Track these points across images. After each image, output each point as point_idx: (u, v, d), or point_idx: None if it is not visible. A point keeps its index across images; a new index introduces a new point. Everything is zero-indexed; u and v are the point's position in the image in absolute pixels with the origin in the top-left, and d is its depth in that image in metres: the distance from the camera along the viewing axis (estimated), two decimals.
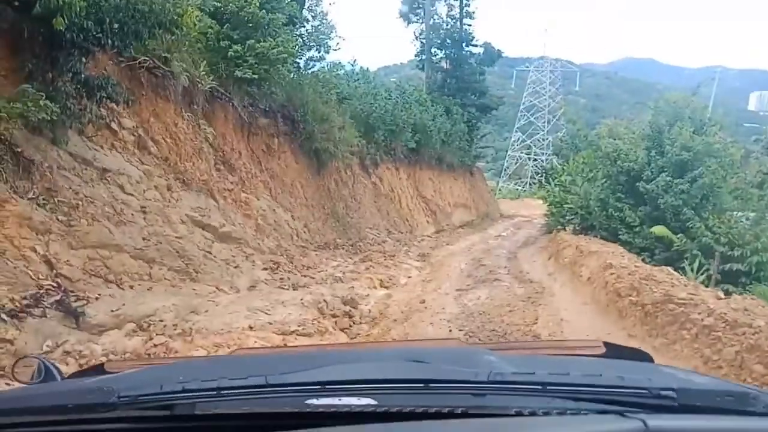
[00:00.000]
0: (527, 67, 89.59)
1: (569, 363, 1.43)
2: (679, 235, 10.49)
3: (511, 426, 0.98)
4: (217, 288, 7.90)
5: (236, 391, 1.07)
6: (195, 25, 10.59)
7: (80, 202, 6.56)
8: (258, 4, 12.16)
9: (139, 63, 8.71)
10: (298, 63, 17.22)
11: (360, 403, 1.02)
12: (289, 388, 1.09)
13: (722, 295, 5.89)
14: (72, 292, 5.73)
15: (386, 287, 9.49)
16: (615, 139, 12.56)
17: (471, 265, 12.15)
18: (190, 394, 1.08)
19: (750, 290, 8.89)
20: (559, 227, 14.62)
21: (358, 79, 23.71)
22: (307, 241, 13.36)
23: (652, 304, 5.75)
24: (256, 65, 12.14)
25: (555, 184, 14.87)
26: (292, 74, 15.18)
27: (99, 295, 5.97)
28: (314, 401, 1.04)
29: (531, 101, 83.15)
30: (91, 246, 6.41)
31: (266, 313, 6.40)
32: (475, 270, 11.15)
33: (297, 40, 14.55)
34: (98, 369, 1.58)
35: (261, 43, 12.11)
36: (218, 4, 11.86)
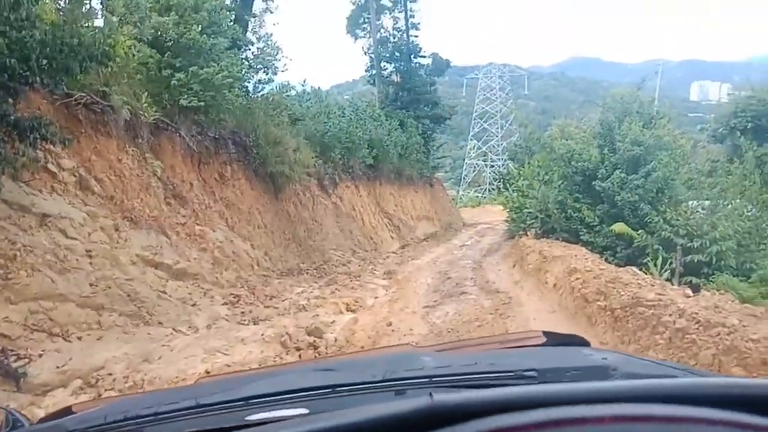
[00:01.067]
0: (476, 74, 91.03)
1: (487, 358, 1.51)
2: (639, 232, 10.56)
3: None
4: (173, 329, 7.51)
5: (171, 414, 1.17)
6: (132, 55, 10.33)
7: (18, 252, 6.13)
8: (198, 30, 11.87)
9: (76, 99, 8.31)
10: (246, 87, 16.97)
11: (294, 413, 1.09)
12: (218, 406, 1.19)
13: (690, 293, 5.83)
14: (12, 351, 5.31)
15: (353, 310, 9.23)
16: (567, 140, 12.66)
17: (437, 279, 11.99)
18: (131, 422, 1.17)
19: (713, 281, 9.00)
20: (520, 232, 14.65)
21: (309, 99, 23.53)
22: (269, 269, 13.00)
23: (621, 308, 5.65)
24: (201, 92, 11.82)
25: (513, 190, 14.91)
26: (240, 99, 14.84)
27: (43, 351, 5.56)
28: (253, 416, 1.10)
29: (483, 108, 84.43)
30: (32, 298, 5.99)
31: (225, 354, 6.07)
32: (442, 284, 11.00)
33: (242, 63, 14.29)
34: (66, 411, 1.62)
35: (204, 70, 11.81)
36: (157, 33, 11.55)
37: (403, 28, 35.71)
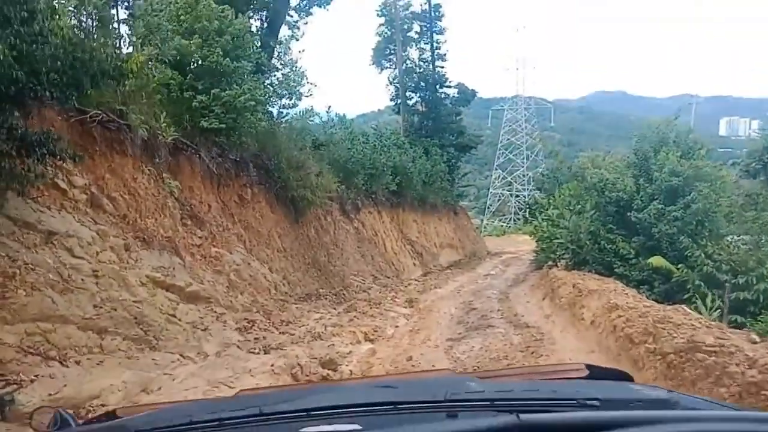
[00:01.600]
0: (502, 106, 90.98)
1: (544, 386, 1.50)
2: (679, 266, 9.91)
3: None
4: (181, 355, 7.11)
5: (236, 421, 1.25)
6: (152, 76, 10.22)
7: (18, 270, 5.83)
8: (221, 53, 11.75)
9: (91, 117, 8.11)
10: (271, 112, 16.86)
11: (347, 429, 1.17)
12: (280, 415, 1.25)
13: (757, 338, 5.13)
14: (2, 375, 4.95)
15: (371, 340, 8.74)
16: (599, 169, 12.13)
17: (461, 309, 11.44)
18: (197, 425, 1.25)
19: (762, 320, 8.30)
20: (549, 263, 14.02)
21: (334, 126, 23.41)
22: (287, 293, 12.60)
23: (675, 353, 4.94)
24: (223, 115, 11.66)
25: (542, 219, 14.32)
26: (263, 122, 14.72)
27: (36, 376, 5.19)
28: (308, 428, 1.18)
29: (508, 139, 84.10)
30: (30, 319, 5.65)
31: (229, 386, 5.63)
32: (466, 315, 10.44)
33: (266, 87, 14.14)
34: (111, 415, 1.65)
35: (227, 92, 11.66)
36: (180, 55, 11.46)
37: (429, 58, 35.71)
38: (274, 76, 17.15)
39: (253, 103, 12.10)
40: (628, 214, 11.15)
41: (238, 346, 7.97)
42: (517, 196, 76.52)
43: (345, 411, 1.24)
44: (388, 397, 1.29)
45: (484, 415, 1.10)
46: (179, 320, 7.81)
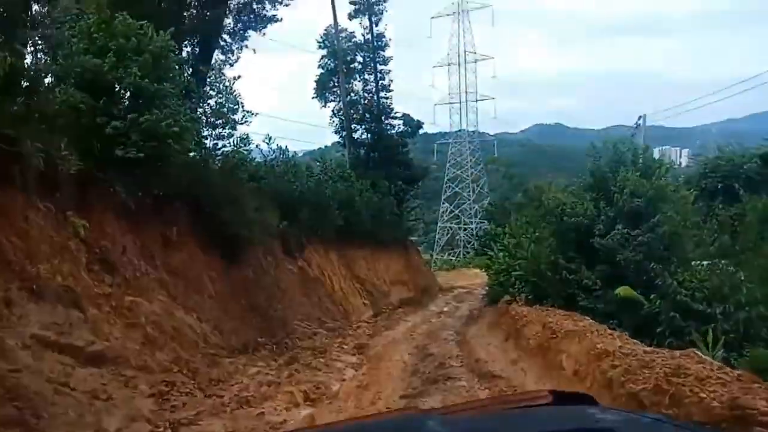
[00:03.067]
0: (447, 140, 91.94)
1: (512, 417, 1.52)
2: (652, 296, 9.11)
3: None
4: None
5: None
6: (53, 97, 8.87)
7: None
8: (140, 73, 10.48)
9: None
10: (204, 143, 15.58)
11: None
12: None
13: None
14: None
15: (312, 401, 7.45)
16: (556, 194, 11.37)
17: (415, 355, 10.29)
18: None
19: (749, 355, 7.49)
20: (507, 298, 13.09)
21: (275, 158, 22.21)
22: (219, 346, 11.13)
23: (713, 424, 3.70)
24: (141, 143, 10.30)
25: (498, 249, 13.43)
26: (191, 153, 13.42)
27: None
28: None
29: (454, 172, 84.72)
30: None
31: None
32: (422, 362, 9.29)
33: (193, 114, 12.84)
34: None
35: (146, 117, 10.34)
36: (91, 76, 10.15)
37: (373, 90, 35.19)
38: (207, 103, 15.95)
39: (177, 129, 10.79)
40: (591, 240, 10.36)
41: (147, 419, 6.52)
42: (465, 229, 76.80)
43: None
44: None
45: None
46: (73, 390, 6.32)
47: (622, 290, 9.38)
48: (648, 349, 5.98)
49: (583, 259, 10.59)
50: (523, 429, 1.19)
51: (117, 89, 10.67)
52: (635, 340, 6.51)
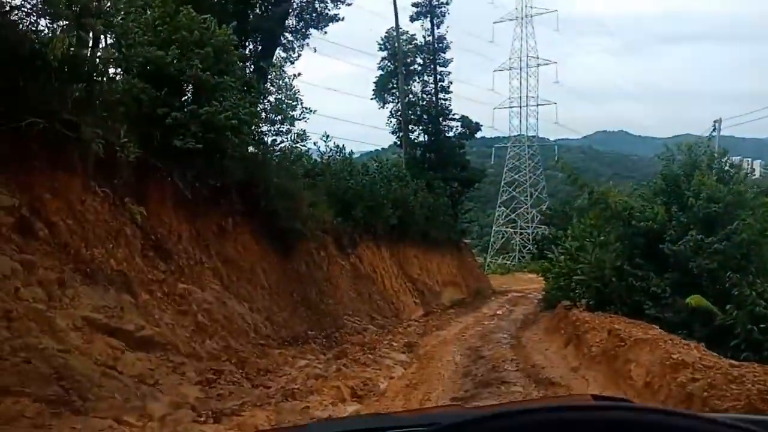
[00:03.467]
0: (505, 143, 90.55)
1: None
2: (728, 307, 8.40)
3: None
4: (116, 420, 5.62)
5: None
6: (116, 86, 9.04)
7: None
8: (201, 66, 10.58)
9: (27, 125, 6.82)
10: (262, 137, 15.70)
11: None
12: None
13: None
14: None
15: (359, 398, 7.22)
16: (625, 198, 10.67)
17: (467, 357, 9.91)
18: None
19: None
20: (566, 303, 12.47)
21: (331, 155, 22.25)
22: (269, 337, 11.10)
23: None
24: (200, 134, 10.38)
25: (560, 252, 12.84)
26: (249, 146, 13.50)
27: None
28: None
29: (512, 176, 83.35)
30: None
31: None
32: (474, 364, 8.92)
33: (254, 108, 12.87)
34: None
35: (205, 108, 10.43)
36: (155, 68, 10.31)
37: (432, 91, 34.85)
38: (267, 99, 16.08)
39: (235, 122, 10.83)
40: (660, 246, 9.68)
41: (192, 407, 6.45)
42: (521, 233, 75.33)
43: None
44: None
45: None
46: (120, 373, 6.33)
47: (694, 299, 8.70)
48: (734, 363, 5.35)
49: (651, 265, 9.92)
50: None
51: (179, 81, 10.80)
52: (705, 350, 5.93)
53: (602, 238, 11.15)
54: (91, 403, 5.57)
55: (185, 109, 10.42)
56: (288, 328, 12.40)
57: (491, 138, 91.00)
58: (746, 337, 7.88)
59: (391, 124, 33.84)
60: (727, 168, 10.68)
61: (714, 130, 11.75)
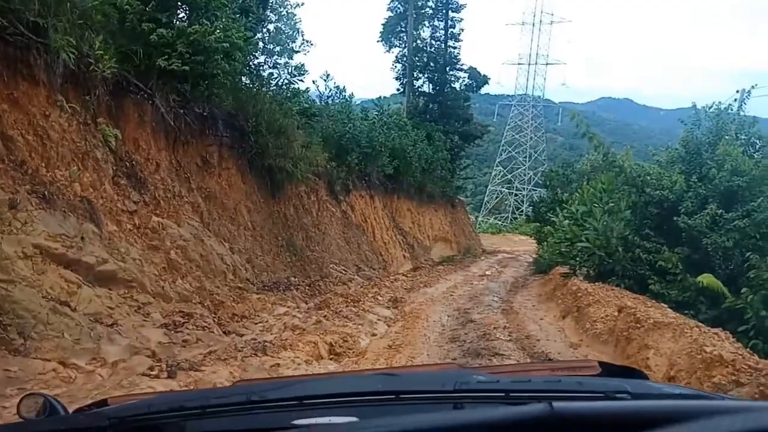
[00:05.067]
0: (509, 101, 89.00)
1: (564, 379, 1.43)
2: (743, 290, 7.80)
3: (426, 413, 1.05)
4: (61, 363, 5.01)
5: (220, 409, 1.17)
6: None
7: None
8: None
9: None
10: (258, 69, 14.75)
11: (342, 421, 1.09)
12: (269, 404, 1.17)
13: None
14: None
15: (336, 355, 6.66)
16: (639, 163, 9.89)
17: (455, 318, 9.37)
18: (177, 413, 1.16)
19: None
20: (563, 269, 11.82)
21: (330, 96, 21.24)
22: (248, 280, 10.51)
23: None
24: (187, 55, 9.46)
25: (564, 216, 12.14)
26: (241, 74, 12.56)
27: None
28: (301, 420, 1.10)
29: (513, 135, 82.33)
30: None
31: None
32: (462, 328, 8.36)
33: (249, 34, 11.86)
34: (101, 403, 1.61)
35: (194, 27, 9.48)
36: None
37: (442, 37, 33.41)
38: (265, 27, 15.00)
39: (227, 45, 9.89)
40: (675, 218, 9.00)
41: (152, 352, 5.85)
42: (516, 194, 74.90)
43: (341, 401, 1.17)
44: (389, 387, 1.22)
45: (487, 407, 1.06)
46: (74, 311, 5.69)
47: (706, 278, 8.10)
48: None
49: (662, 238, 9.28)
50: (584, 390, 1.05)
51: None
52: (736, 343, 5.26)
53: (612, 204, 10.46)
54: (34, 343, 4.95)
55: (173, 27, 9.48)
56: (270, 272, 11.81)
57: (495, 95, 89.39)
58: (759, 324, 7.34)
59: (396, 69, 32.50)
60: (755, 140, 9.93)
61: (743, 98, 10.82)
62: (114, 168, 8.00)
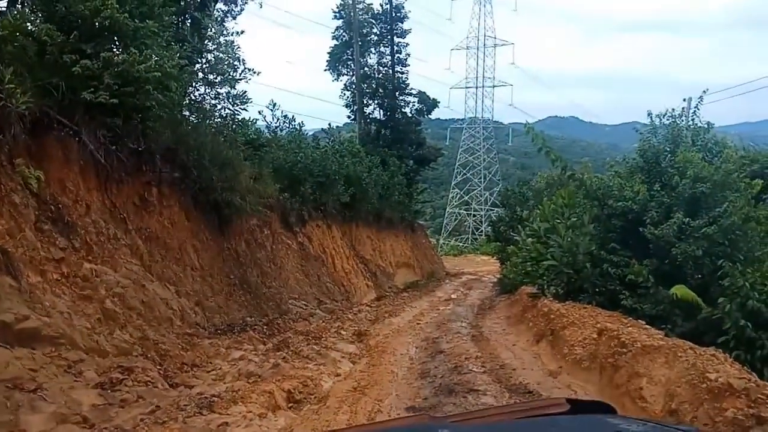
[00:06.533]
0: (461, 124, 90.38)
1: (527, 427, 1.47)
2: (720, 299, 7.47)
3: None
4: None
5: None
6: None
7: None
8: (117, 8, 8.91)
9: None
10: (200, 101, 14.12)
11: None
12: None
13: None
14: None
15: (296, 403, 5.98)
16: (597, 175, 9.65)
17: (424, 350, 8.80)
18: None
19: None
20: (531, 290, 11.41)
21: (279, 126, 20.71)
22: (198, 325, 9.74)
23: None
24: (116, 87, 8.76)
25: (526, 234, 11.81)
26: (182, 108, 11.93)
27: None
28: None
29: (466, 158, 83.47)
30: None
31: None
32: (432, 360, 7.79)
33: (184, 62, 11.23)
34: None
35: (122, 56, 8.82)
36: (63, 7, 8.62)
37: (389, 63, 33.45)
38: (204, 57, 14.39)
39: (158, 74, 9.24)
40: (641, 229, 8.70)
41: (84, 418, 5.08)
42: (474, 215, 75.61)
43: None
44: None
45: None
46: None
47: (679, 290, 7.78)
48: None
49: (629, 251, 8.97)
50: None
51: (92, 23, 9.11)
52: (736, 365, 4.80)
53: (575, 219, 10.17)
54: None
55: (99, 57, 8.79)
56: (223, 314, 11.04)
57: (446, 120, 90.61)
58: (737, 334, 7.04)
59: (345, 97, 32.28)
60: (711, 146, 9.83)
61: (685, 109, 10.86)
62: (36, 213, 7.20)
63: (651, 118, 9.79)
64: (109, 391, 5.96)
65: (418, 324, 12.16)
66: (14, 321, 5.68)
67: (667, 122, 9.63)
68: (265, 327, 11.50)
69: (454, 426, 1.46)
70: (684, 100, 11.34)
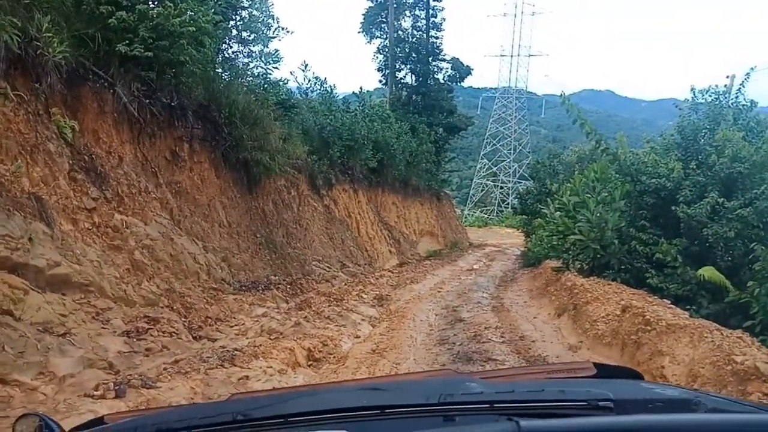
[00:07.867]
0: (493, 94, 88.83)
1: (551, 386, 1.41)
2: (750, 283, 7.32)
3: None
4: (1, 381, 4.39)
5: (206, 429, 1.17)
6: None
7: None
8: None
9: None
10: (233, 59, 14.15)
11: None
12: (255, 422, 1.16)
13: None
14: None
15: (315, 361, 6.10)
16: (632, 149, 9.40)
17: (443, 317, 8.85)
18: None
19: None
20: (555, 264, 11.33)
21: (310, 87, 20.64)
22: (224, 280, 9.91)
23: None
24: (151, 41, 8.80)
25: (556, 207, 11.67)
26: (215, 65, 11.93)
27: None
28: None
29: (497, 128, 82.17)
30: None
31: None
32: (451, 328, 7.84)
33: (219, 18, 11.19)
34: (98, 421, 1.59)
35: (157, 9, 8.82)
36: None
37: (423, 27, 32.84)
38: (238, 14, 14.32)
39: (193, 29, 9.24)
40: (673, 208, 8.50)
41: (109, 364, 5.25)
42: (502, 187, 74.79)
43: (328, 417, 1.16)
44: (376, 401, 1.22)
45: (483, 419, 1.06)
46: (19, 320, 5.06)
47: (707, 271, 7.63)
48: None
49: (659, 229, 8.80)
50: (567, 399, 1.04)
51: None
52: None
53: (605, 194, 9.99)
54: None
55: (134, 9, 8.80)
56: (248, 271, 11.21)
57: (478, 88, 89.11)
58: (764, 319, 6.90)
59: (378, 61, 31.89)
60: (754, 125, 9.49)
61: (731, 84, 10.40)
62: (70, 162, 7.33)
63: (693, 93, 9.46)
64: (134, 339, 6.14)
65: (438, 292, 12.21)
66: (46, 266, 5.84)
67: (710, 99, 9.29)
68: (288, 286, 11.67)
69: (482, 382, 1.44)
70: (727, 77, 10.85)
